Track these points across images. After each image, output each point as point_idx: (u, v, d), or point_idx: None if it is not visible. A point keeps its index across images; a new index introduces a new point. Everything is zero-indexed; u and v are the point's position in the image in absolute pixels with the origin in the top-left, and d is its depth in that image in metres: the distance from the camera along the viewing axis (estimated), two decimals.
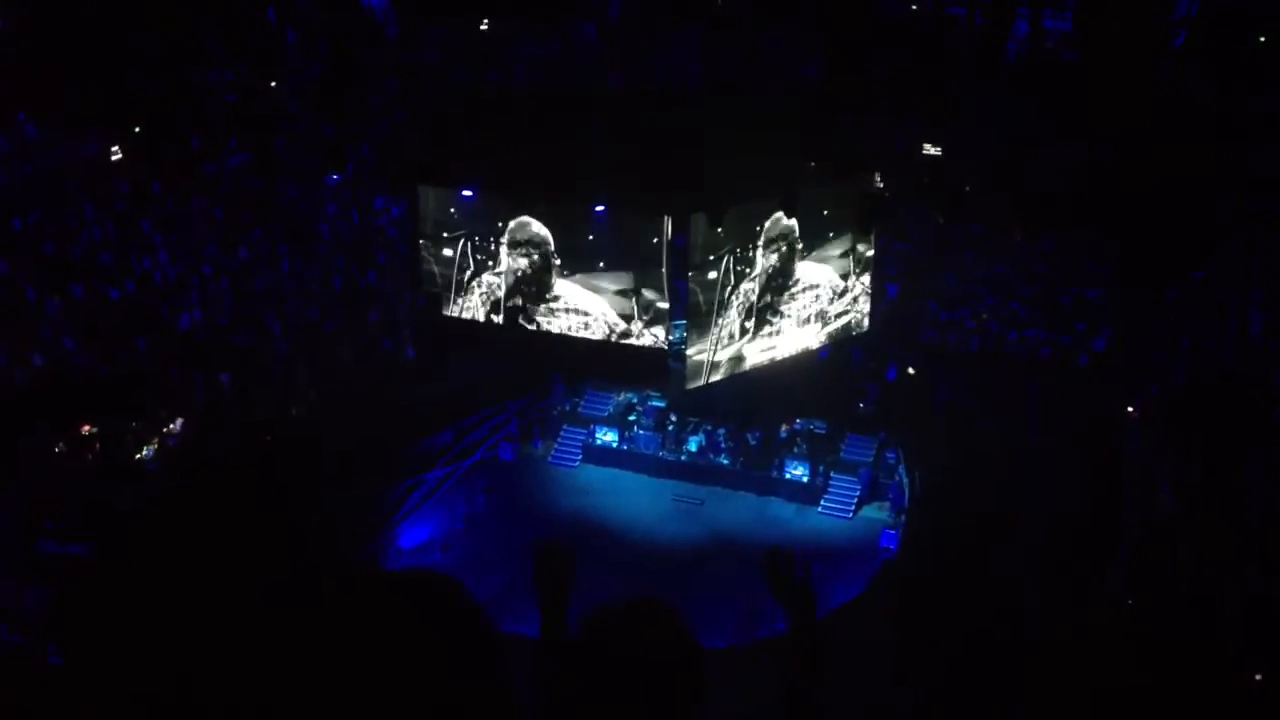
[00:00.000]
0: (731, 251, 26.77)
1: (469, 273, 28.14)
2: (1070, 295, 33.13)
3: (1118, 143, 33.95)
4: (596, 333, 27.29)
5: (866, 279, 29.26)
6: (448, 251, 28.18)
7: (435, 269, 28.44)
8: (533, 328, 27.85)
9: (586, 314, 27.42)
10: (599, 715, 3.32)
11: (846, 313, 29.01)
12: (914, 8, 41.57)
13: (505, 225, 27.57)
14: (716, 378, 27.66)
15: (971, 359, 31.76)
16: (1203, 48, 35.64)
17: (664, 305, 26.59)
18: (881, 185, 30.48)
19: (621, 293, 27.03)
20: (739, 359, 27.77)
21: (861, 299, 29.19)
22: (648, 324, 26.93)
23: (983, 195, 35.82)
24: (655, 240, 26.36)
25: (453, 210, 28.07)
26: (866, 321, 29.64)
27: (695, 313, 26.42)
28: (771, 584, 4.43)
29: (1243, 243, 31.11)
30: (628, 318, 27.07)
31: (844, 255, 28.47)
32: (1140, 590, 22.47)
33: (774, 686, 4.62)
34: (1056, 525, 25.35)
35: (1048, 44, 40.38)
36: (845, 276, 28.65)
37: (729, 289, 26.87)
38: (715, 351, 27.35)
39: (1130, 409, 27.54)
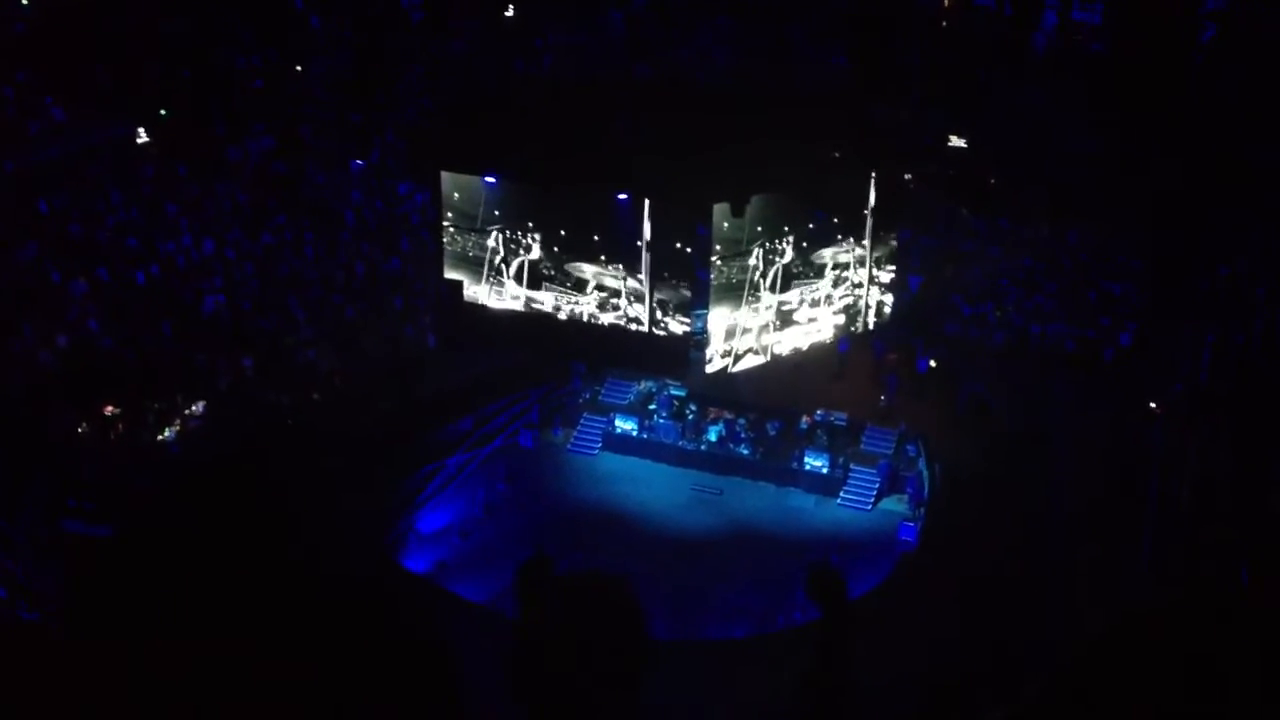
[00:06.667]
0: (761, 244, 26.71)
1: (499, 258, 28.02)
2: (1096, 289, 32.88)
3: (1146, 136, 33.67)
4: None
5: (886, 269, 29.05)
6: (469, 238, 28.13)
7: (458, 255, 28.39)
8: (547, 309, 27.83)
9: (585, 293, 27.63)
10: (554, 686, 3.41)
11: (852, 295, 28.84)
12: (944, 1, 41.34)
13: (525, 212, 27.52)
14: (735, 364, 27.63)
15: (995, 352, 31.57)
16: (1233, 41, 35.31)
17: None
18: (907, 176, 30.31)
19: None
20: (758, 344, 27.69)
21: (874, 287, 28.98)
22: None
23: (1009, 188, 35.59)
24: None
25: (477, 197, 27.99)
26: (887, 310, 29.40)
27: (718, 298, 26.47)
28: (809, 587, 4.57)
29: (1270, 237, 30.84)
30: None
31: (855, 244, 28.37)
32: (1163, 584, 22.32)
33: (795, 674, 4.65)
34: (1079, 520, 25.20)
35: (1076, 36, 40.10)
36: (855, 264, 28.51)
37: (758, 272, 26.87)
38: (737, 336, 27.29)
39: (1154, 404, 27.34)
